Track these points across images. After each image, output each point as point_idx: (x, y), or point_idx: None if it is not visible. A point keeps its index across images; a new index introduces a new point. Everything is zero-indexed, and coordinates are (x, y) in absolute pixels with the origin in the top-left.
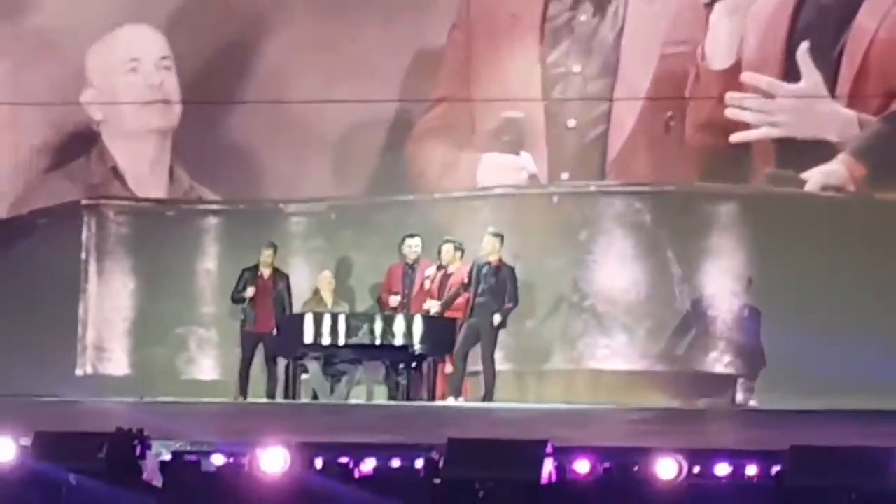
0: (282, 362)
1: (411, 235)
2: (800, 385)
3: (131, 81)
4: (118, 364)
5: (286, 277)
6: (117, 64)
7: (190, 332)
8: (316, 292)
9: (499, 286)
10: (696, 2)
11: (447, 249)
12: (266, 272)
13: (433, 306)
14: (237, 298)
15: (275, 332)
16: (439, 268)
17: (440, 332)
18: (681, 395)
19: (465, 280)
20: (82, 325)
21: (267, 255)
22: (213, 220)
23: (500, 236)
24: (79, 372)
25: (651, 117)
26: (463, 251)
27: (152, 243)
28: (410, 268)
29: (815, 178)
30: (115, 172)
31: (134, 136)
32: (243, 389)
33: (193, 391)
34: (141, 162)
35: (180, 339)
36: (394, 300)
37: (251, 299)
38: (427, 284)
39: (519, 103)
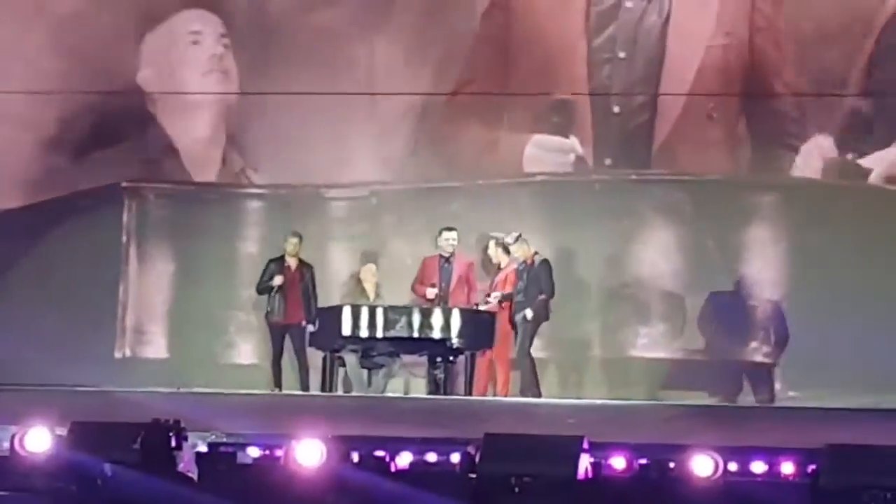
0: (319, 354)
1: (448, 228)
2: (838, 382)
3: (193, 53)
4: (157, 347)
5: (311, 268)
6: (179, 37)
7: (229, 316)
8: (358, 282)
9: (531, 281)
10: None
11: (491, 247)
12: (292, 262)
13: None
14: (263, 289)
15: (303, 323)
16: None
17: (478, 325)
18: (721, 385)
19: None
20: (122, 307)
21: (293, 244)
22: (254, 205)
23: (520, 237)
24: (118, 354)
25: (696, 108)
26: (506, 247)
27: (193, 227)
28: (446, 261)
29: (878, 168)
30: (170, 151)
31: (193, 109)
32: (278, 381)
33: (232, 375)
34: (196, 140)
35: (220, 323)
36: (430, 292)
37: (279, 289)
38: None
39: (565, 86)
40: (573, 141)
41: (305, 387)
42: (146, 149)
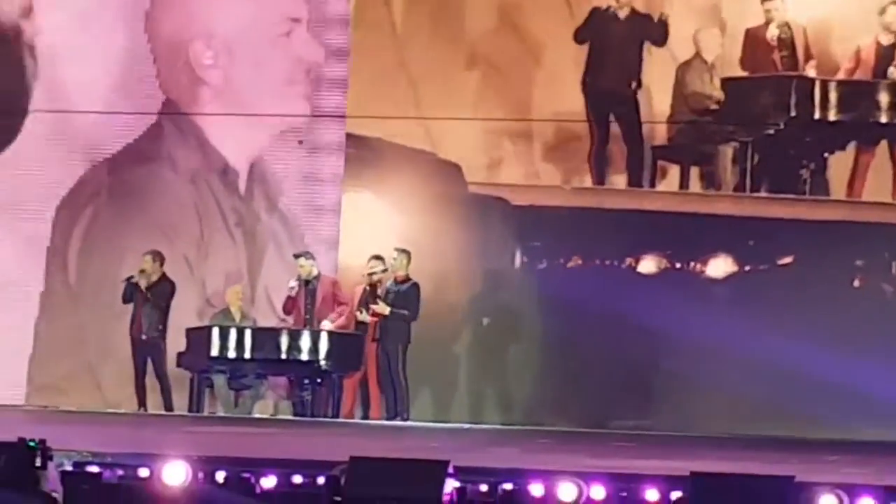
0: (187, 374)
1: (297, 255)
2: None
3: None
4: None
5: (171, 283)
6: None
7: None
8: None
9: (401, 303)
10: None
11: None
12: (148, 279)
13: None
14: (126, 299)
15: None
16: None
17: (346, 347)
18: (593, 410)
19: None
20: None
21: (146, 260)
22: None
23: (407, 252)
24: None
25: None
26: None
27: None
28: (307, 283)
29: None
30: None
31: None
32: (142, 400)
33: None
34: None
35: None
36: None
37: (135, 305)
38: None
39: None
40: None
41: (169, 407)
42: None
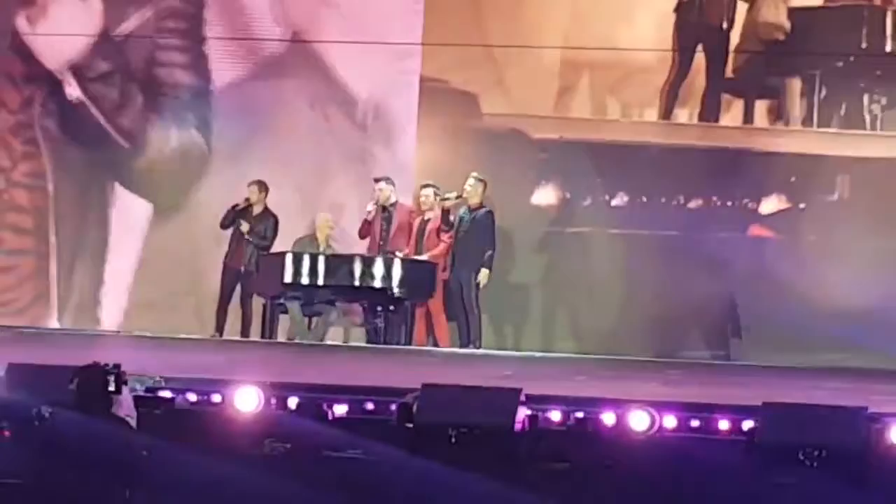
0: (259, 300)
1: (378, 179)
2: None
3: None
4: None
5: (274, 218)
6: None
7: None
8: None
9: (476, 231)
10: None
11: (427, 194)
12: (255, 210)
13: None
14: (225, 225)
15: (243, 269)
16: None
17: (420, 275)
18: (668, 340)
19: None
20: None
21: (251, 191)
22: None
23: (483, 181)
24: None
25: None
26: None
27: None
28: (385, 209)
29: None
30: None
31: None
32: (220, 326)
33: None
34: None
35: None
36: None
37: (235, 235)
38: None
39: None
40: None
41: (246, 333)
42: None
